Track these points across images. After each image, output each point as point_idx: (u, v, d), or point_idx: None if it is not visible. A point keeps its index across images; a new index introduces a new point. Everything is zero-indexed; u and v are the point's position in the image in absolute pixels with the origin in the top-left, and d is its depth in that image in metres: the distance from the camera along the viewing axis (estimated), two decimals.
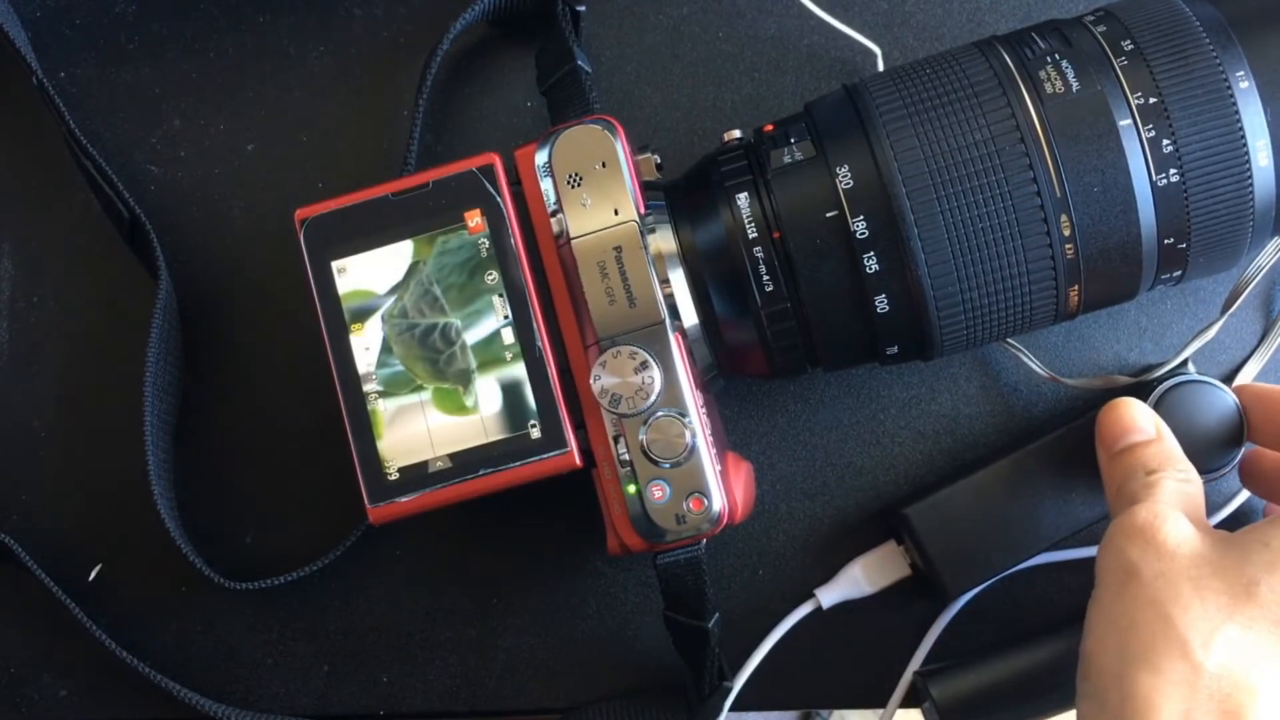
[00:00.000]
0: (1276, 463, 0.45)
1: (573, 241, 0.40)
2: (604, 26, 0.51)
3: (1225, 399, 0.45)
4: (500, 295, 0.42)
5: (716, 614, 0.43)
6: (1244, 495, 0.48)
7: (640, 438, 0.40)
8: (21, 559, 0.48)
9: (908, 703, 0.49)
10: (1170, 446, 0.42)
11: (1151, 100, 0.39)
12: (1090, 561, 0.48)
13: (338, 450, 0.43)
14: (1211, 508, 0.48)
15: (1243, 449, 0.45)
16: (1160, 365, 0.48)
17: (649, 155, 0.43)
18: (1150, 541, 0.38)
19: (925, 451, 0.50)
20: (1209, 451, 0.45)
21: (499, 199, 0.42)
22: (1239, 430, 0.45)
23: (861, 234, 0.40)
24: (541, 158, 0.41)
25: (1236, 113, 0.39)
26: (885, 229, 0.40)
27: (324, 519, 0.50)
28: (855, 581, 0.49)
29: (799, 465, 0.50)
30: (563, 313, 0.42)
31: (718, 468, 0.41)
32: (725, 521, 0.41)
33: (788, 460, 0.50)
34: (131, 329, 0.50)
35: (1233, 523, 0.49)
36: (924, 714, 0.48)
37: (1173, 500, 0.39)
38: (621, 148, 0.41)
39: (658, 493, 0.40)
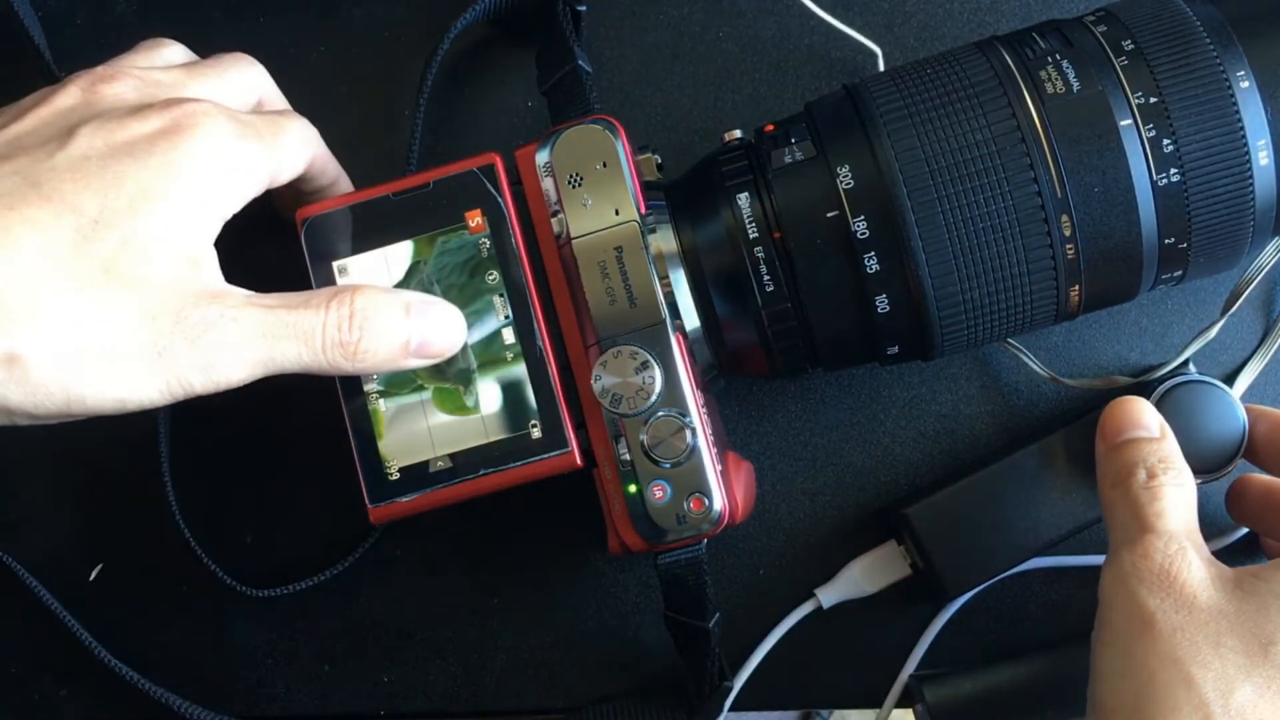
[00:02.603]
0: (1261, 492, 0.45)
1: (573, 241, 0.40)
2: (604, 26, 0.51)
3: (1226, 400, 0.45)
4: (501, 295, 0.42)
5: (717, 614, 0.43)
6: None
7: (641, 437, 0.40)
8: (21, 576, 0.49)
9: (904, 703, 0.49)
10: (1171, 448, 0.42)
11: (1152, 100, 0.39)
12: (1090, 570, 0.48)
13: (338, 450, 0.43)
14: (1213, 534, 0.48)
15: (1238, 459, 0.45)
16: (1161, 365, 0.48)
17: (649, 155, 0.43)
18: (1169, 590, 0.38)
19: (925, 451, 0.50)
20: (1209, 452, 0.45)
21: (500, 199, 0.42)
22: (1240, 434, 0.45)
23: (862, 234, 0.40)
24: (542, 157, 0.41)
25: (1237, 112, 0.39)
26: (886, 229, 0.40)
27: (325, 519, 0.50)
28: (855, 581, 0.49)
29: (799, 465, 0.50)
30: (563, 312, 0.42)
31: (718, 468, 0.41)
32: (726, 521, 0.41)
33: (788, 460, 0.50)
34: None
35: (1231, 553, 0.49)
36: (915, 716, 0.48)
37: (1178, 521, 0.39)
38: (622, 148, 0.41)
39: (658, 493, 0.40)
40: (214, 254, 0.38)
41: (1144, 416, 0.42)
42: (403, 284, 0.42)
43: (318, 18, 0.52)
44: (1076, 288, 0.41)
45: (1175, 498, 0.40)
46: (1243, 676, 0.36)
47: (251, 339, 0.37)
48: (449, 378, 0.42)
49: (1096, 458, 0.43)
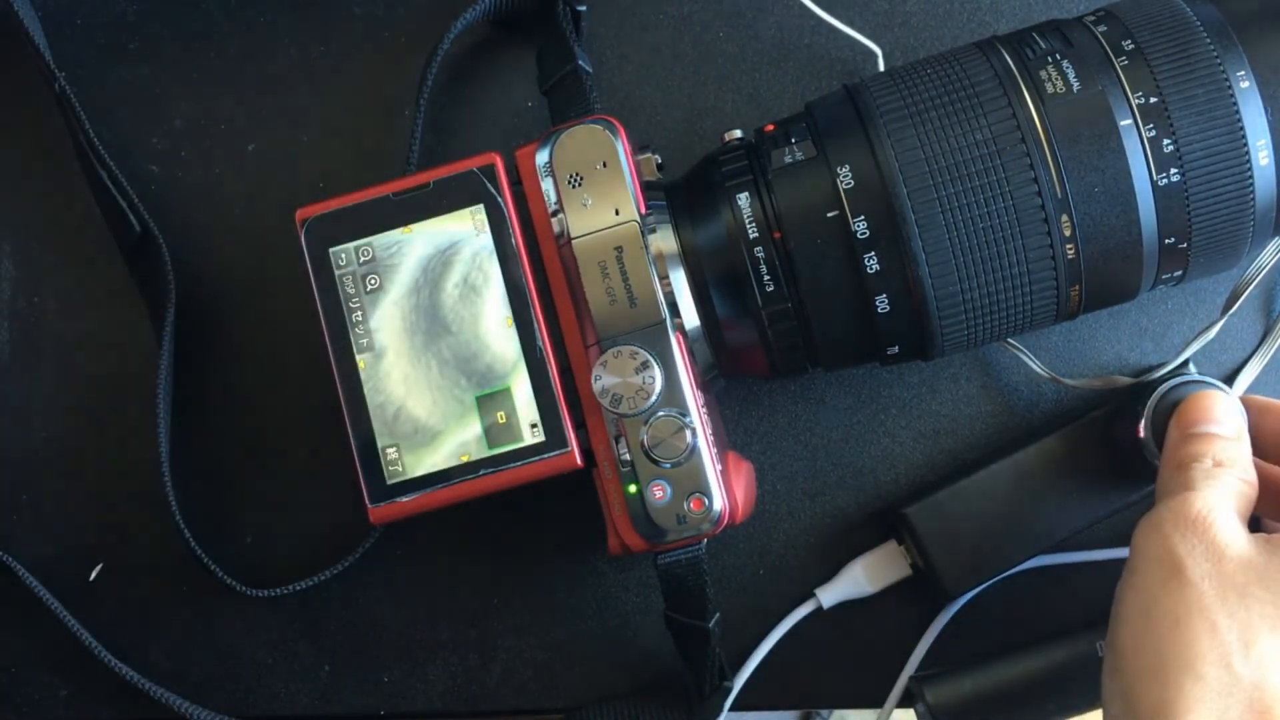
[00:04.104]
0: (1261, 477, 0.44)
1: (573, 241, 0.40)
2: (604, 26, 0.51)
3: None
4: (501, 295, 0.42)
5: (717, 614, 0.43)
6: None
7: (641, 438, 0.40)
8: (20, 575, 0.48)
9: (905, 703, 0.49)
10: (1245, 453, 0.41)
11: (1152, 100, 0.39)
12: (1091, 569, 0.48)
13: (338, 450, 0.43)
14: None
15: None
16: (1161, 365, 0.48)
17: (650, 155, 0.43)
18: (1202, 538, 0.38)
19: (925, 451, 0.50)
20: None
21: (500, 199, 0.42)
22: None
23: (862, 234, 0.40)
24: (542, 157, 0.41)
25: (1237, 112, 0.39)
26: (886, 229, 0.40)
27: (325, 520, 0.50)
28: (855, 581, 0.49)
29: (799, 465, 0.50)
30: (563, 312, 0.42)
31: (718, 468, 0.41)
32: (726, 521, 0.41)
33: (788, 460, 0.50)
34: (132, 330, 0.50)
35: None
36: (917, 716, 0.48)
37: (1229, 495, 0.39)
38: (622, 148, 0.41)
39: (658, 493, 0.40)
40: None
41: (1227, 415, 0.42)
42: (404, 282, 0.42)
43: (318, 18, 0.52)
44: (1076, 288, 0.41)
45: (1231, 483, 0.40)
46: (1267, 627, 0.36)
47: None
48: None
49: (1166, 443, 0.42)
